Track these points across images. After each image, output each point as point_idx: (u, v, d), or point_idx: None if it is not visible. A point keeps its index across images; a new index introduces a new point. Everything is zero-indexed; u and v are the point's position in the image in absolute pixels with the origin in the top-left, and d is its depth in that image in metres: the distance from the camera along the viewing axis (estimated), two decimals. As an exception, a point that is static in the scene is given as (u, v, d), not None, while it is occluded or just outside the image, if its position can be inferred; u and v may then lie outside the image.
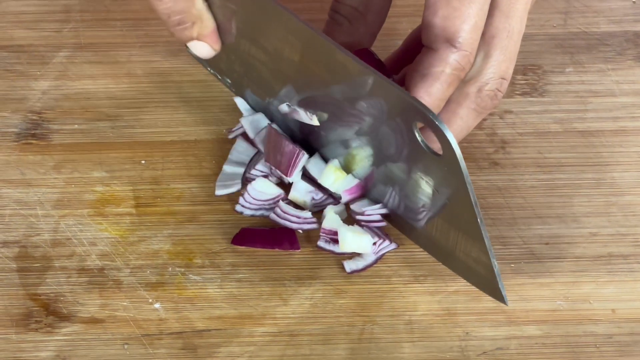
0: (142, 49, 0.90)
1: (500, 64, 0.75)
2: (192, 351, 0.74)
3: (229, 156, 0.85)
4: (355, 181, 0.80)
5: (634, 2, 0.95)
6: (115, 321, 0.76)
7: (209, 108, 0.88)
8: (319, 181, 0.81)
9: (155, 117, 0.86)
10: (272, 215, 0.80)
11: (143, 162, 0.84)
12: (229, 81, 0.86)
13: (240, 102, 0.86)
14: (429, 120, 0.69)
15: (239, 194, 0.82)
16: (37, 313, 0.76)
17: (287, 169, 0.80)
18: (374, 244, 0.78)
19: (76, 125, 0.86)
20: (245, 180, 0.82)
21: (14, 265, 0.78)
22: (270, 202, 0.81)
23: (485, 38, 0.75)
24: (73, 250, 0.79)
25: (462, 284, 0.77)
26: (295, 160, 0.80)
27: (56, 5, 0.94)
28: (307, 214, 0.80)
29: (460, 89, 0.76)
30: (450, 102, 0.76)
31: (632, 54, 0.91)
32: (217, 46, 0.81)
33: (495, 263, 0.74)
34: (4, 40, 0.91)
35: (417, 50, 0.79)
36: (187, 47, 0.81)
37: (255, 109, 0.85)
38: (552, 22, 0.93)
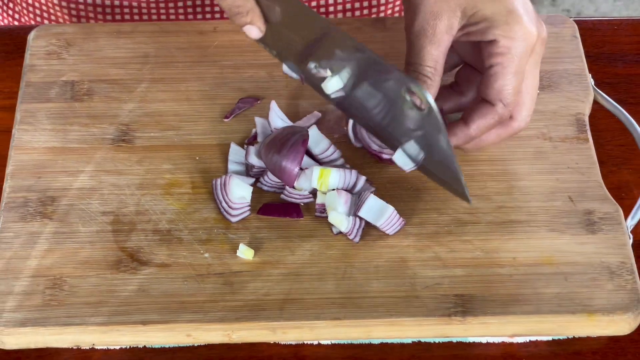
0: (196, 82, 0.98)
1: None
2: (229, 286, 0.84)
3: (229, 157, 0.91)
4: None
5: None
6: (178, 266, 0.85)
7: (241, 122, 0.96)
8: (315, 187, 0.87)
9: (205, 128, 0.95)
10: (282, 196, 0.90)
11: (197, 158, 0.93)
12: (275, 52, 0.92)
13: (286, 69, 0.93)
14: (415, 89, 0.78)
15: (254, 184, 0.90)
16: (125, 260, 0.86)
17: (289, 181, 0.88)
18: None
19: (152, 134, 0.94)
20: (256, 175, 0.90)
21: (110, 228, 0.88)
22: (281, 184, 0.91)
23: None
24: (150, 217, 0.88)
25: (411, 241, 0.86)
26: (292, 175, 0.88)
27: (138, 52, 1.01)
28: (305, 192, 0.90)
29: None
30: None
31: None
32: (263, 28, 0.87)
33: (462, 178, 0.83)
34: (103, 76, 0.99)
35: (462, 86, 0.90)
36: (243, 30, 0.88)
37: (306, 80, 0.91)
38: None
